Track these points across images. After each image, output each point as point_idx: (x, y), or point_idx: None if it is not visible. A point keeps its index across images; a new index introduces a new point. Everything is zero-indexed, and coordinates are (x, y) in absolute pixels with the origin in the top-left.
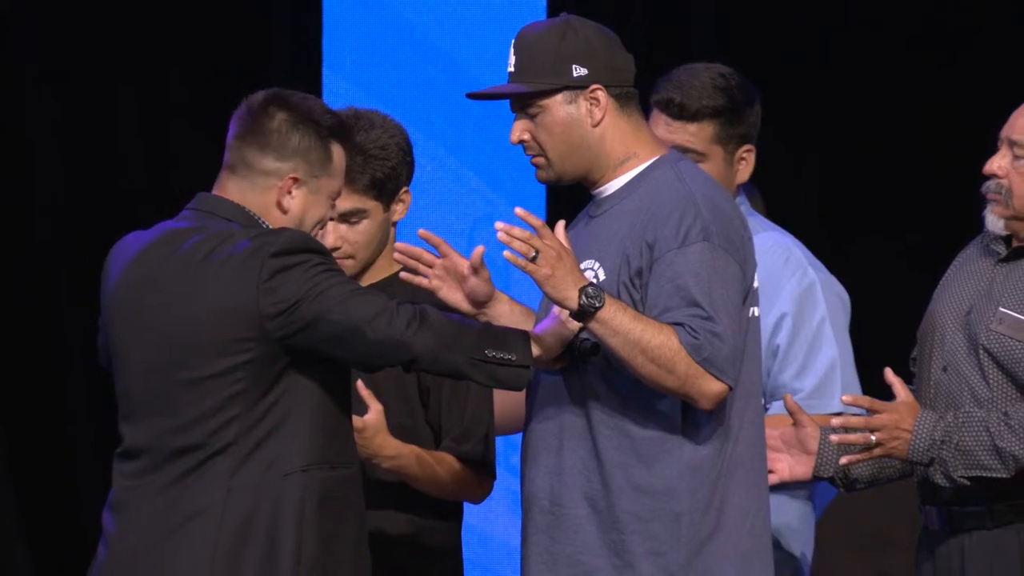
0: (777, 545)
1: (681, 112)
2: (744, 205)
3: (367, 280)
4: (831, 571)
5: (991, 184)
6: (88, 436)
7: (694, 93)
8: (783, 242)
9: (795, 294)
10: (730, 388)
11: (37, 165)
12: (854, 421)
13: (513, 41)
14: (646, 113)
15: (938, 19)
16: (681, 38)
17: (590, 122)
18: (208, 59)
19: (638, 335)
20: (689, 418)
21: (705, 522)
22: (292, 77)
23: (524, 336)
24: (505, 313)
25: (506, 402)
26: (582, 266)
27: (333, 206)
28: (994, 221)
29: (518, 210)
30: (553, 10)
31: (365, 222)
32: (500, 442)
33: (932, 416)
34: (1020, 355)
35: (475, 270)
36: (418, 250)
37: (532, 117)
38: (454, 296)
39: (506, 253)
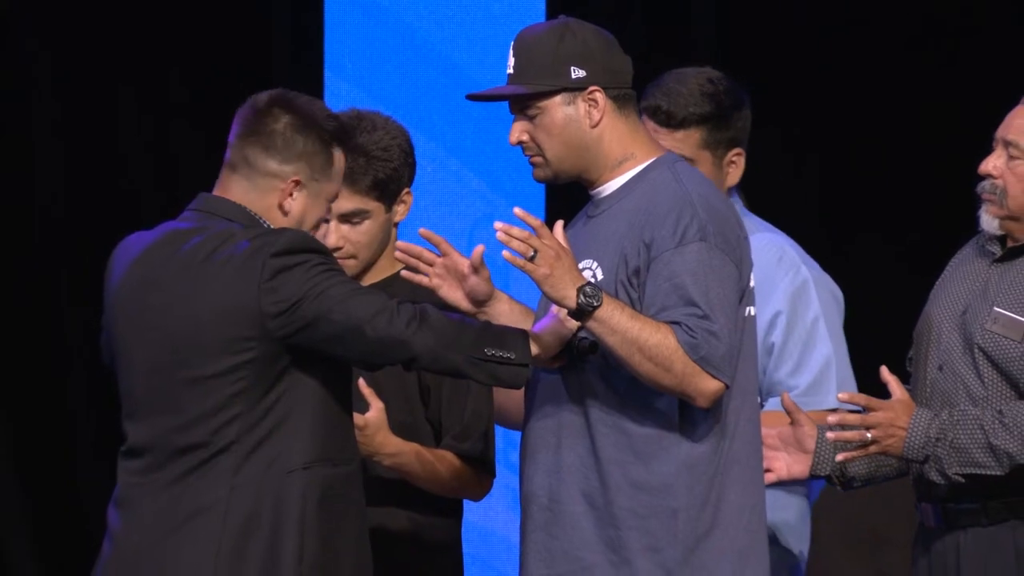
0: (775, 542)
1: (668, 119)
2: (738, 205)
3: (369, 280)
4: (828, 568)
5: (986, 184)
6: (90, 434)
7: (681, 100)
8: (776, 241)
9: (789, 292)
10: (727, 386)
11: (37, 165)
12: (850, 419)
13: (512, 43)
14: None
15: (938, 19)
16: (680, 39)
17: (588, 123)
18: (210, 60)
19: (636, 334)
20: (686, 416)
21: (702, 518)
22: (294, 79)
23: (523, 335)
24: (504, 312)
25: (508, 400)
26: (580, 265)
27: (330, 208)
28: (989, 221)
29: (517, 210)
30: (552, 13)
31: (367, 222)
32: (499, 440)
33: (927, 414)
34: (1014, 354)
35: (475, 269)
36: (419, 249)
37: (531, 118)
38: (454, 295)
39: (505, 253)
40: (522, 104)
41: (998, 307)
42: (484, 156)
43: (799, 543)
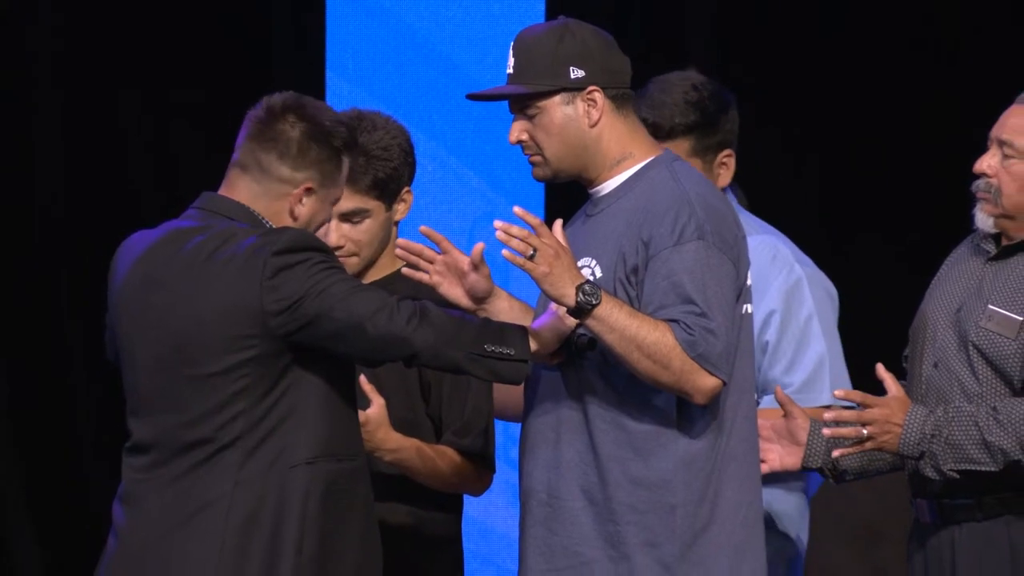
0: (773, 535)
1: (656, 131)
2: (733, 203)
3: (370, 277)
4: (823, 563)
5: (981, 183)
6: (93, 430)
7: (666, 112)
8: (769, 240)
9: (782, 291)
10: (724, 383)
11: (38, 164)
12: (846, 415)
13: (512, 43)
14: None
15: (938, 19)
16: (679, 40)
17: (587, 123)
18: (211, 61)
19: (634, 331)
20: (684, 413)
21: (699, 514)
22: (296, 79)
23: (523, 331)
24: (504, 309)
25: (508, 396)
26: (579, 263)
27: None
28: (983, 219)
29: (517, 209)
30: (551, 14)
31: (368, 221)
32: (499, 436)
33: (922, 411)
34: (1008, 351)
35: (475, 266)
36: (419, 246)
37: (530, 118)
38: (454, 292)
39: (505, 251)
40: (521, 104)
41: (992, 305)
42: (484, 155)
43: (797, 537)
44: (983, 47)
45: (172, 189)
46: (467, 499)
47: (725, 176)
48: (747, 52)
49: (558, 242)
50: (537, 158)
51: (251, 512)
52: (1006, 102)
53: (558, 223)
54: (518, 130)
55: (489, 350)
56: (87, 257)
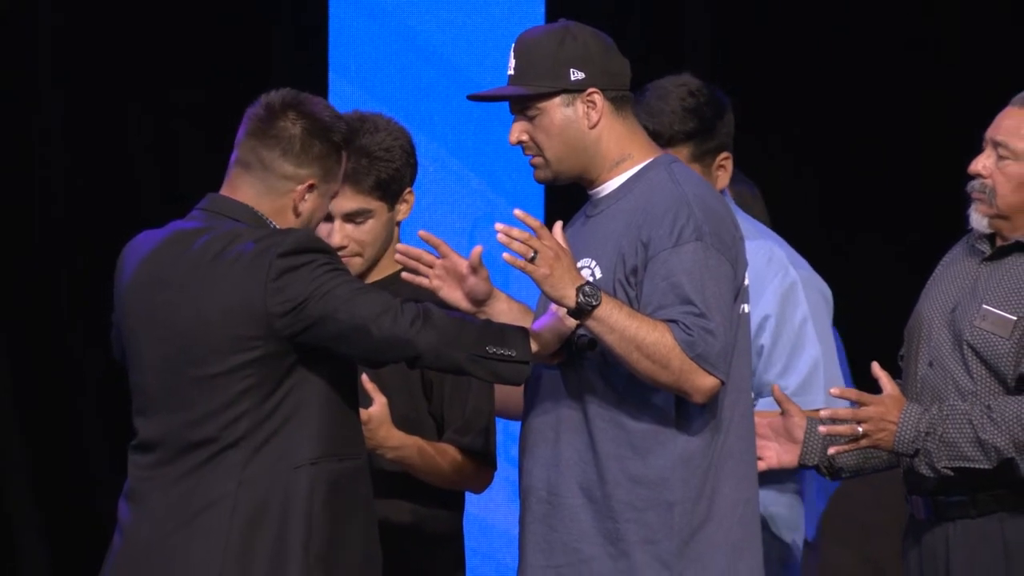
0: (768, 533)
1: (655, 139)
2: (731, 205)
3: (372, 278)
4: (819, 559)
5: (976, 183)
6: (99, 428)
7: (665, 120)
8: (765, 244)
9: (778, 294)
10: (722, 383)
11: (39, 164)
12: (842, 413)
13: (513, 45)
14: None
15: (936, 20)
16: (677, 43)
17: (587, 124)
18: (214, 62)
19: (633, 332)
20: (682, 411)
21: (697, 511)
22: (299, 81)
23: (523, 332)
24: (504, 311)
25: (509, 395)
26: (579, 264)
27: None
28: (978, 219)
29: (517, 212)
30: (551, 16)
31: (370, 222)
32: (500, 434)
33: (917, 409)
34: (1003, 350)
35: (474, 269)
36: (418, 251)
37: (531, 119)
38: (454, 295)
39: (506, 254)
40: (522, 105)
41: (987, 304)
42: (484, 156)
43: (792, 535)
44: (981, 48)
45: (173, 189)
46: (468, 496)
47: (723, 178)
48: (746, 53)
49: (558, 244)
50: (538, 160)
51: (255, 511)
52: (1005, 103)
53: (558, 225)
54: (518, 131)
55: (491, 351)
56: (90, 256)
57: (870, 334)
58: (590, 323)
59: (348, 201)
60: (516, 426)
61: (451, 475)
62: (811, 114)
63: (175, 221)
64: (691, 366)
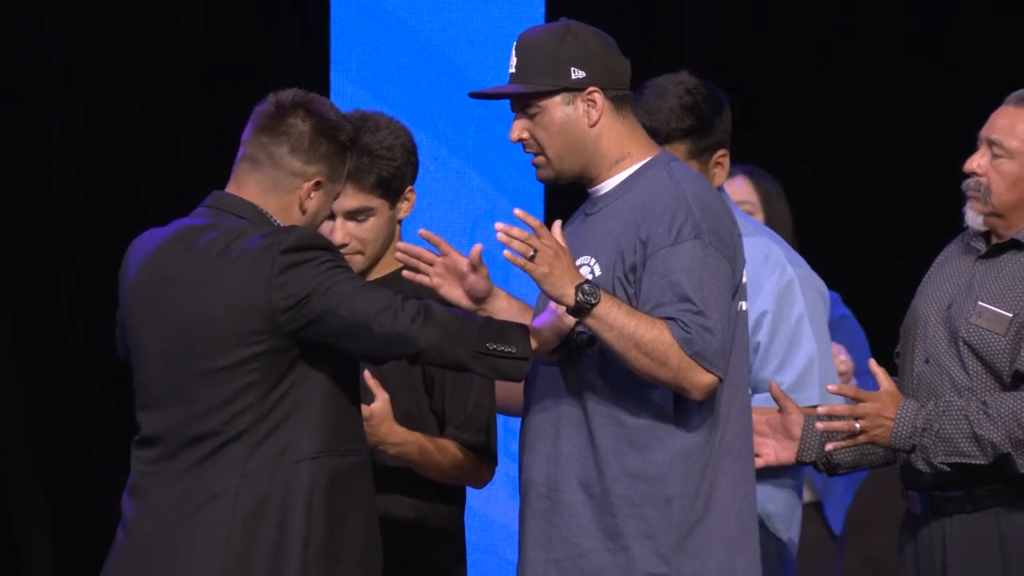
0: (764, 530)
1: (653, 136)
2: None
3: (373, 275)
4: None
5: (970, 182)
6: (104, 424)
7: (663, 117)
8: (762, 241)
9: (775, 292)
10: (720, 379)
11: (39, 164)
12: (839, 409)
13: (515, 44)
14: None
15: (935, 20)
16: (678, 41)
17: (587, 122)
18: (216, 62)
19: (632, 330)
20: (680, 407)
21: (695, 506)
22: (301, 81)
23: (524, 329)
24: (504, 308)
25: (509, 391)
26: (579, 262)
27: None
28: (973, 217)
29: (517, 211)
30: (551, 16)
31: (372, 219)
32: (500, 430)
33: (914, 405)
34: (998, 347)
35: (474, 267)
36: (419, 249)
37: (531, 117)
38: (454, 293)
39: (506, 252)
40: (523, 103)
41: (983, 301)
42: (485, 155)
43: (788, 532)
44: (981, 48)
45: (175, 188)
46: (469, 491)
47: (720, 175)
48: (746, 52)
49: (557, 243)
50: (540, 159)
51: (257, 505)
52: (1001, 102)
53: (557, 224)
54: (519, 128)
55: (491, 348)
56: (90, 255)
57: (867, 332)
58: (589, 321)
59: (350, 199)
60: (516, 422)
61: (452, 471)
62: (810, 113)
63: (180, 218)
64: (689, 363)
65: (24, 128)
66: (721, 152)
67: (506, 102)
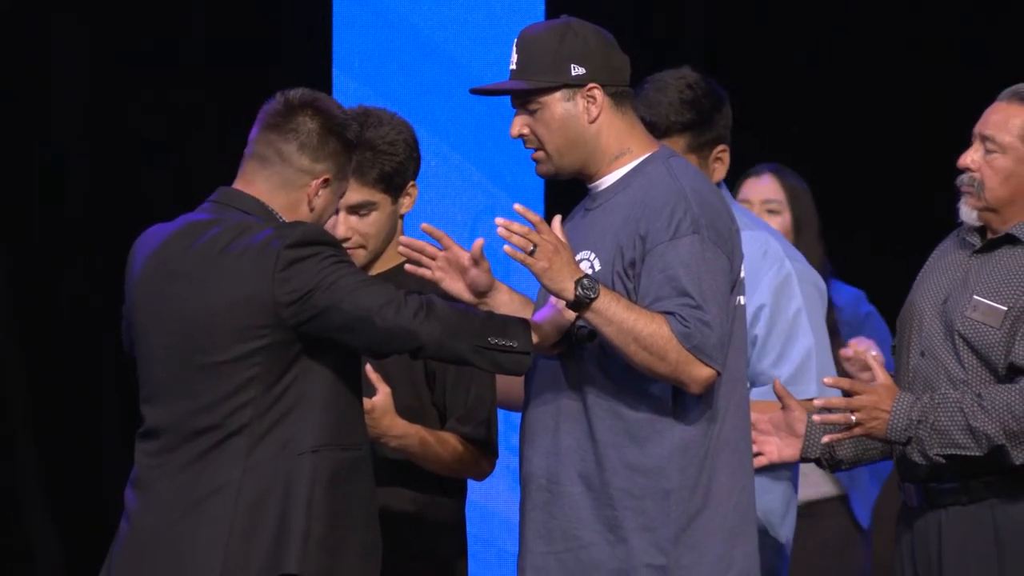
0: (761, 524)
1: (652, 130)
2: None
3: (376, 270)
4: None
5: (964, 177)
6: (112, 417)
7: (662, 111)
8: (761, 235)
9: (772, 286)
10: (718, 373)
11: (40, 163)
12: (835, 402)
13: (515, 40)
14: None
15: (934, 20)
16: (676, 39)
17: (587, 119)
18: (218, 62)
19: (631, 324)
20: (679, 401)
21: (693, 499)
22: (304, 78)
23: (525, 324)
24: (505, 302)
25: (510, 385)
26: (578, 257)
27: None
28: (968, 212)
29: (517, 206)
30: (551, 13)
31: (374, 214)
32: (501, 423)
33: (909, 397)
34: (993, 340)
35: (475, 261)
36: (421, 243)
37: (532, 113)
38: (456, 286)
39: (506, 247)
40: (523, 99)
41: (978, 295)
42: (485, 150)
43: (784, 526)
44: (980, 47)
45: (177, 186)
46: (470, 484)
47: (720, 171)
48: (745, 51)
49: (557, 238)
50: (540, 154)
51: (259, 498)
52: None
53: (557, 219)
54: (519, 124)
55: (493, 343)
56: (90, 255)
57: None
58: (588, 315)
59: (352, 193)
60: (517, 415)
61: (453, 463)
62: (810, 113)
63: (185, 214)
64: (688, 357)
65: (24, 128)
66: (721, 147)
67: (507, 98)
